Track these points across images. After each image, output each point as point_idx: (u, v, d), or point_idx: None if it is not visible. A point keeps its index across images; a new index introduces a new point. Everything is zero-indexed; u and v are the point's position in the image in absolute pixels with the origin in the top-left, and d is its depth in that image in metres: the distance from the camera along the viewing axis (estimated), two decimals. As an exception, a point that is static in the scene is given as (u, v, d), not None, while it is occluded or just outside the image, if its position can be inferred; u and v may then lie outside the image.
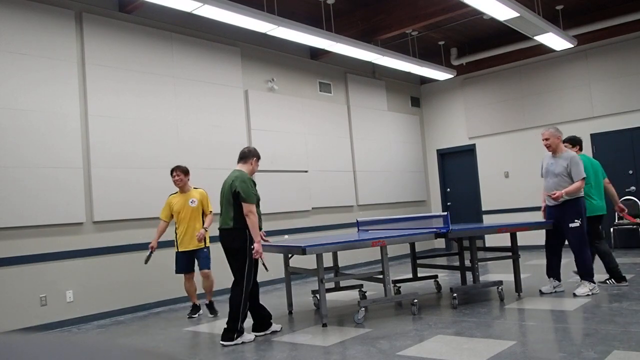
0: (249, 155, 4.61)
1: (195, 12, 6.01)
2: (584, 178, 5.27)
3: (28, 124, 5.57)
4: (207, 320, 5.53)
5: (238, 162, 4.66)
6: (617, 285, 5.66)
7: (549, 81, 9.95)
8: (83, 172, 5.97)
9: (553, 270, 5.58)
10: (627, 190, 9.10)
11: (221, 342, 4.32)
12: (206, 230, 5.59)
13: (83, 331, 5.56)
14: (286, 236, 4.38)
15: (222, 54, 7.56)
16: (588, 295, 5.20)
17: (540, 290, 5.59)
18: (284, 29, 6.73)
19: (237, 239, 4.39)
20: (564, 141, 5.88)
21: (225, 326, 4.35)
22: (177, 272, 5.71)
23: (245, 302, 4.35)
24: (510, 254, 5.61)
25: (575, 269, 5.62)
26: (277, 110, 8.26)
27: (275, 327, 4.68)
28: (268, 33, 6.89)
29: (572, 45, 8.69)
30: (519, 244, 5.69)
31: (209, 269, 5.64)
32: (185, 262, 5.65)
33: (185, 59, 7.11)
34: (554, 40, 8.30)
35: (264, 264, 4.54)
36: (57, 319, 5.60)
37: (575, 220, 5.26)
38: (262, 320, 4.61)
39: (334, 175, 9.10)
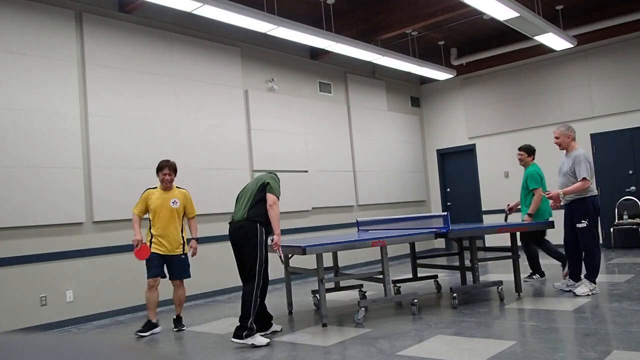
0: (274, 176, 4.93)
1: (195, 12, 6.01)
2: (584, 178, 5.17)
3: (28, 124, 5.57)
4: (207, 320, 5.52)
5: None
6: (541, 279, 6.46)
7: (549, 81, 9.95)
8: (83, 172, 5.97)
9: (570, 270, 5.59)
10: (627, 190, 9.10)
11: (232, 338, 4.28)
12: (196, 240, 5.18)
13: (83, 331, 5.56)
14: None
15: (222, 54, 7.56)
16: (588, 295, 5.20)
17: (552, 285, 5.87)
18: (284, 29, 6.73)
19: (248, 234, 4.37)
20: (520, 149, 6.41)
21: (238, 323, 4.31)
22: (149, 276, 5.01)
23: (256, 299, 4.31)
24: (510, 254, 5.61)
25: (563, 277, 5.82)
26: (277, 110, 8.26)
27: (275, 327, 4.68)
28: (268, 33, 6.89)
29: (572, 45, 8.69)
30: (519, 244, 5.69)
31: (185, 277, 5.13)
32: (159, 266, 5.02)
33: (185, 59, 7.11)
34: (554, 40, 8.30)
35: (280, 257, 4.61)
36: (57, 319, 5.60)
37: (582, 221, 5.23)
38: (263, 321, 4.60)
39: (333, 175, 9.10)
